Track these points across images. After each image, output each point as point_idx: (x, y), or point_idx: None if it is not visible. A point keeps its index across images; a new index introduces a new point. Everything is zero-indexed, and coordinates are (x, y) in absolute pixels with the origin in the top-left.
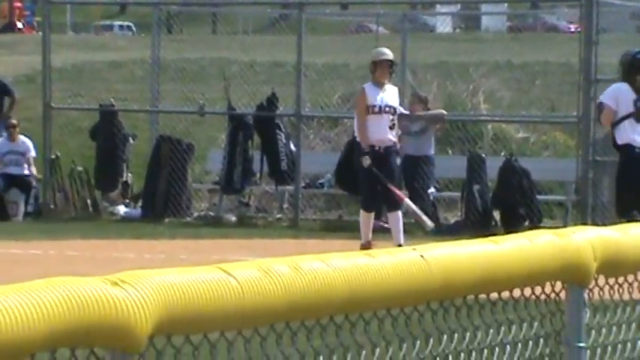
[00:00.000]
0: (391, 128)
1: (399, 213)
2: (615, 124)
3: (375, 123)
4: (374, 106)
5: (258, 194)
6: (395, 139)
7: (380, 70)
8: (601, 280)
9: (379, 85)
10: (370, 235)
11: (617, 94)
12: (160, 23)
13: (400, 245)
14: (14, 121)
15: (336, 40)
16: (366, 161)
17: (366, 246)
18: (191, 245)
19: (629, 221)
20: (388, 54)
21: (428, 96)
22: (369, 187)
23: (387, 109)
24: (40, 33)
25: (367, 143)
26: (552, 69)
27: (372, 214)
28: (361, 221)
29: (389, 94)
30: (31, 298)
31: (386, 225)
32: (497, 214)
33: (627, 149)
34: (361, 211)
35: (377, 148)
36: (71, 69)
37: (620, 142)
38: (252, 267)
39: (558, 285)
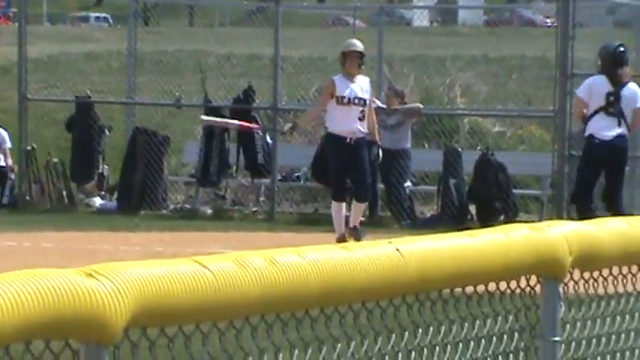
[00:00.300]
0: (361, 120)
1: (365, 204)
2: (588, 118)
3: (343, 114)
4: (342, 97)
5: (234, 187)
6: (365, 131)
7: (349, 62)
8: (576, 274)
9: (349, 76)
10: (344, 227)
11: (590, 87)
12: (137, 15)
13: (355, 228)
14: None
15: (313, 33)
16: (287, 126)
17: (342, 239)
18: (167, 238)
19: (580, 212)
20: (357, 45)
21: (404, 89)
22: (336, 175)
23: (357, 100)
24: (16, 24)
25: (304, 124)
26: (529, 63)
27: (344, 205)
28: (333, 213)
29: (359, 86)
30: (5, 289)
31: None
32: (473, 208)
33: (589, 139)
34: (332, 202)
35: (348, 139)
36: (47, 60)
37: (586, 133)
38: (228, 259)
39: (533, 279)
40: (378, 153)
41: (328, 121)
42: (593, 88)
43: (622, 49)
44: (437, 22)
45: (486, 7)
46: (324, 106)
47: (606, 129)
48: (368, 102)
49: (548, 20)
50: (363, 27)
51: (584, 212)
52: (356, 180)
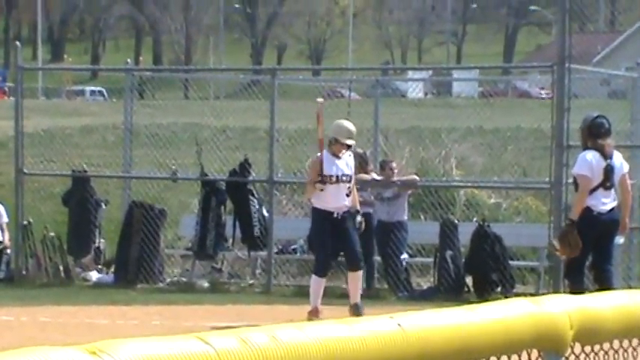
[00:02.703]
0: (347, 195)
1: (360, 273)
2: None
3: (331, 192)
4: (331, 176)
5: (230, 260)
6: (349, 205)
7: (338, 148)
8: (577, 348)
9: (335, 155)
10: (319, 302)
11: (591, 163)
12: (132, 88)
13: (356, 304)
14: None
15: (308, 106)
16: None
17: (314, 313)
18: (164, 311)
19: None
20: (350, 140)
21: (401, 162)
22: (323, 251)
23: (344, 178)
24: (12, 98)
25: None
26: (524, 134)
27: (324, 280)
28: (312, 286)
29: (344, 162)
30: None
31: (343, 286)
32: (469, 280)
33: (587, 213)
34: (313, 275)
35: (335, 215)
36: (43, 134)
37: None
38: (230, 336)
39: (535, 353)
40: (361, 221)
41: (315, 197)
42: (593, 164)
43: (601, 119)
44: (432, 94)
45: (481, 79)
46: (319, 184)
47: (604, 203)
48: (352, 178)
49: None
50: (358, 99)
51: (578, 287)
52: (346, 250)
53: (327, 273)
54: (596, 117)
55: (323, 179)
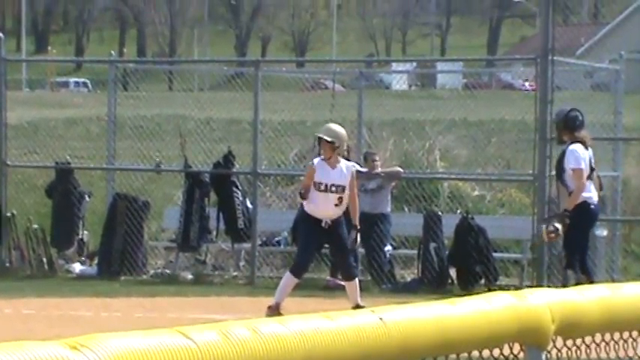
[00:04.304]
0: (337, 205)
1: (354, 281)
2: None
3: (321, 200)
4: (320, 183)
5: (214, 252)
6: (340, 214)
7: (322, 148)
8: (559, 342)
9: (328, 161)
10: (284, 300)
11: (582, 157)
12: (116, 80)
13: (358, 305)
14: None
15: (292, 97)
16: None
17: (276, 308)
18: (147, 303)
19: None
20: (325, 134)
21: (385, 153)
22: (304, 254)
23: (333, 188)
24: None
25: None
26: (508, 127)
27: (296, 281)
28: (283, 281)
29: (338, 172)
30: None
31: (341, 282)
32: (453, 272)
33: (584, 205)
34: (288, 272)
35: (323, 223)
36: (27, 126)
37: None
38: (212, 330)
39: (517, 347)
40: (356, 237)
41: (305, 201)
42: (584, 157)
43: (575, 112)
44: (416, 86)
45: (465, 72)
46: (311, 189)
47: (593, 194)
48: (346, 188)
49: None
50: (342, 90)
51: (589, 277)
52: (339, 263)
53: (303, 275)
54: (570, 110)
55: (313, 184)
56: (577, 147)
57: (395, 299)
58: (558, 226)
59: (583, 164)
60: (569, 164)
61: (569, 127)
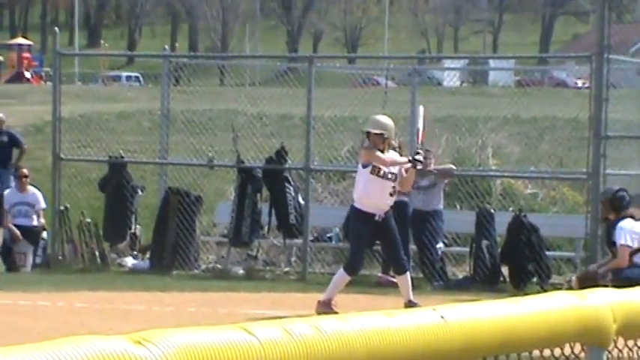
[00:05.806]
0: (391, 195)
1: (405, 275)
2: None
3: (377, 189)
4: (380, 168)
5: (266, 247)
6: (391, 204)
7: (372, 141)
8: (620, 342)
9: (380, 151)
10: (336, 296)
11: (632, 233)
12: (169, 75)
13: (410, 301)
14: (25, 171)
15: (344, 93)
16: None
17: (327, 304)
18: (199, 298)
19: None
20: (373, 126)
21: (438, 150)
22: (358, 253)
23: (390, 175)
24: (48, 83)
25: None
26: (561, 124)
27: (349, 279)
28: (336, 279)
29: None
30: (55, 356)
31: (394, 280)
32: (505, 270)
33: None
34: (342, 270)
35: (377, 217)
36: (80, 120)
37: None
38: (274, 327)
39: (578, 346)
40: (418, 158)
41: (358, 191)
42: (633, 233)
43: (622, 193)
44: (468, 83)
45: (518, 69)
46: (369, 175)
47: None
48: (397, 177)
49: (579, 82)
50: (394, 87)
51: None
52: (390, 255)
53: (357, 274)
54: (618, 190)
55: (372, 168)
56: (629, 222)
57: (447, 297)
58: (574, 281)
59: (630, 241)
60: (619, 240)
61: (615, 207)
